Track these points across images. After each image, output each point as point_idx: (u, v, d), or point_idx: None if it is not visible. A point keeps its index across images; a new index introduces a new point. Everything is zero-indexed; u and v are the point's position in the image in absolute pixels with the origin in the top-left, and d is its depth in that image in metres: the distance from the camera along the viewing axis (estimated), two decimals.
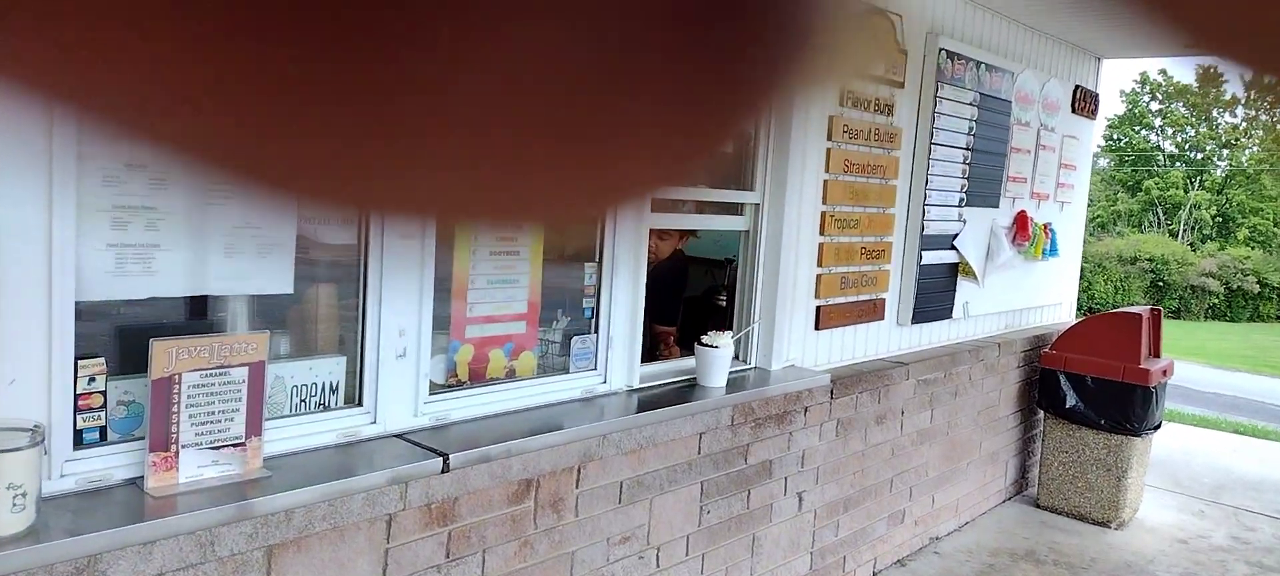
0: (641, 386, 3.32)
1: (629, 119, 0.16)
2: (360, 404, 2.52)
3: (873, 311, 4.47)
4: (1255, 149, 38.49)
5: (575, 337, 3.14)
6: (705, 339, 3.47)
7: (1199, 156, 39.22)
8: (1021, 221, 5.50)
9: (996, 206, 5.30)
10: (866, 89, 4.22)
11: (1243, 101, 39.36)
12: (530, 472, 2.73)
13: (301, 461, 2.35)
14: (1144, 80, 39.92)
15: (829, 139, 4.04)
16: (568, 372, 3.11)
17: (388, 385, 2.54)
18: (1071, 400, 5.50)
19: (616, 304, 3.21)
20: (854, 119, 4.15)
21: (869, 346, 4.52)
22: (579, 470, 2.89)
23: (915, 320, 4.74)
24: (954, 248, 4.94)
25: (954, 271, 5.00)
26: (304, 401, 2.43)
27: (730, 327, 3.89)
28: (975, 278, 5.10)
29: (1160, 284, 29.15)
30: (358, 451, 2.45)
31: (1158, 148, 39.87)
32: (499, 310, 2.89)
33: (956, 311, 5.07)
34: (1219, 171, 38.66)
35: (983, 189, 5.13)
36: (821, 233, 4.07)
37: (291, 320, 2.45)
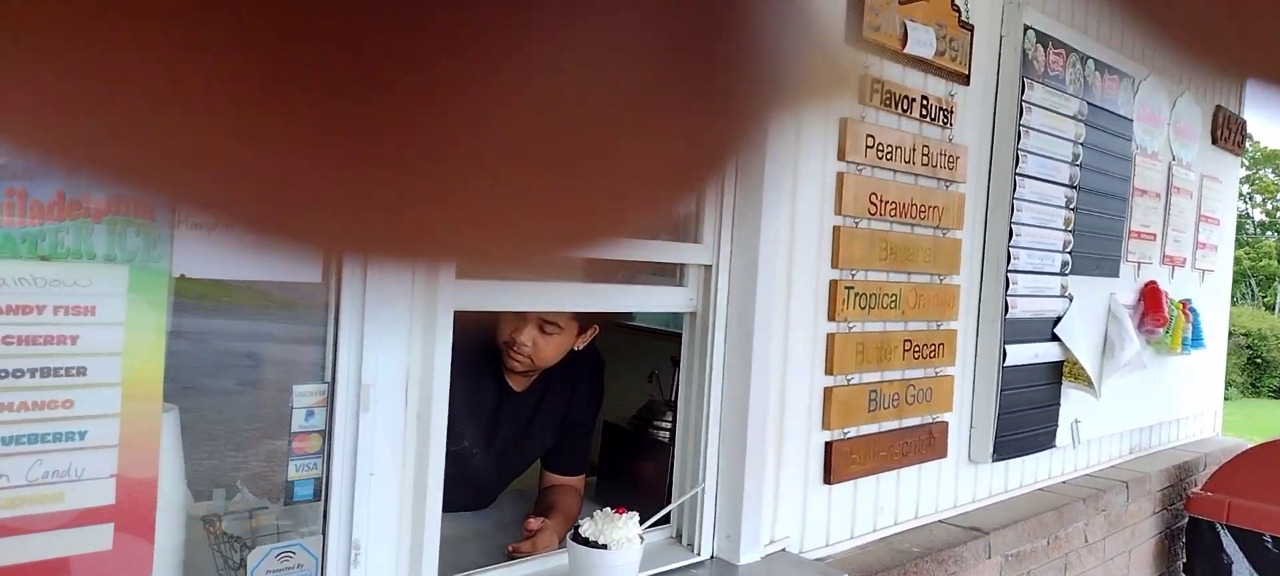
0: None
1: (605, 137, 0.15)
2: None
3: (927, 446, 2.72)
4: None
5: (265, 547, 1.46)
6: (584, 527, 1.77)
7: None
8: (1152, 297, 3.72)
9: (1115, 276, 3.54)
10: (905, 80, 2.55)
11: None
12: None
13: None
14: None
15: (841, 158, 2.36)
16: None
17: None
18: (1241, 569, 3.62)
19: (371, 464, 1.54)
20: (886, 128, 2.48)
21: (922, 503, 2.76)
22: None
23: (998, 455, 2.96)
24: (1056, 338, 3.18)
25: (1057, 374, 3.23)
26: None
27: (668, 486, 2.19)
28: (1089, 384, 3.31)
29: (1258, 361, 26.58)
30: None
31: (1247, 216, 37.43)
32: (20, 503, 1.24)
33: (1062, 436, 3.28)
34: None
35: (1095, 248, 3.37)
36: (832, 316, 2.37)
37: None
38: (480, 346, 2.07)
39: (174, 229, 1.35)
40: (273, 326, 1.53)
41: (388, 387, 1.55)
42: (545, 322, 2.01)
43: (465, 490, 2.14)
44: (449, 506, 2.10)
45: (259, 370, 1.51)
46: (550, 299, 1.86)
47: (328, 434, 1.52)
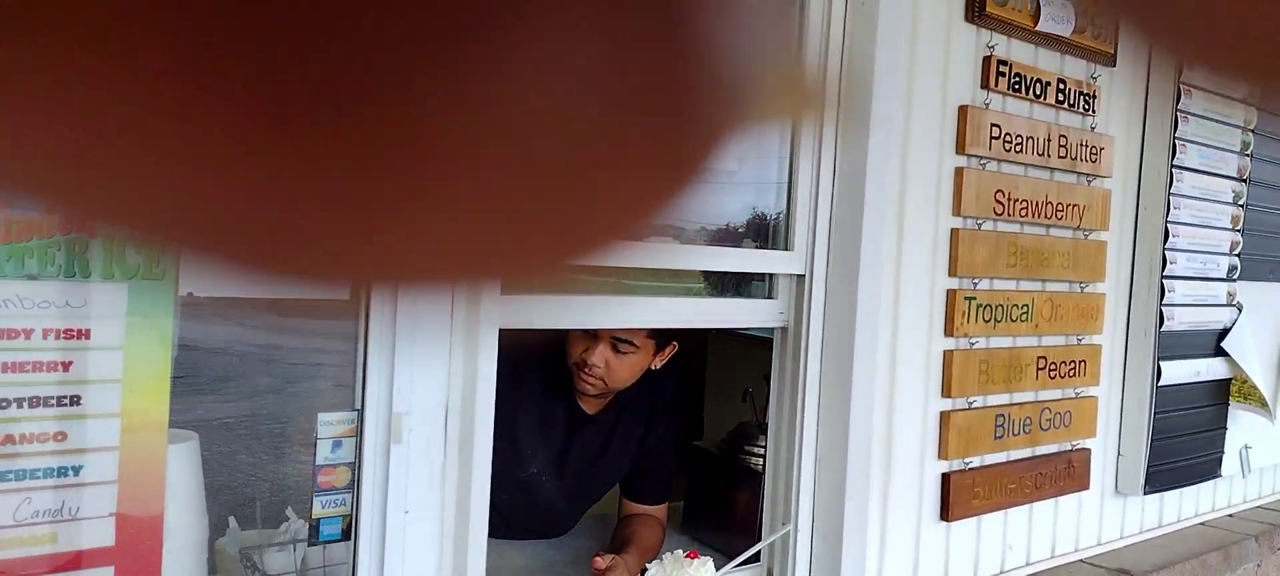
0: None
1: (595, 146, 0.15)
2: None
3: (1065, 476, 2.40)
4: None
5: None
6: (651, 572, 1.58)
7: None
8: None
9: None
10: (1037, 61, 2.24)
11: None
12: None
13: None
14: None
15: (960, 152, 2.09)
16: None
17: None
18: None
19: (404, 501, 1.39)
20: (1015, 117, 2.18)
21: (1059, 541, 2.44)
22: None
23: (1151, 486, 2.60)
24: (1222, 352, 2.79)
25: (1223, 394, 2.83)
26: None
27: (760, 519, 1.97)
28: (1263, 404, 2.89)
29: None
30: None
31: None
32: (7, 546, 1.14)
33: (1229, 464, 2.88)
34: None
35: (1270, 249, 2.95)
36: (949, 331, 2.10)
37: None
38: (549, 367, 1.90)
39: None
40: (296, 348, 1.40)
41: (424, 416, 1.40)
42: (618, 341, 1.82)
43: (537, 518, 1.98)
44: (521, 535, 1.95)
45: (280, 397, 1.38)
46: (618, 314, 1.67)
47: (357, 467, 1.38)
